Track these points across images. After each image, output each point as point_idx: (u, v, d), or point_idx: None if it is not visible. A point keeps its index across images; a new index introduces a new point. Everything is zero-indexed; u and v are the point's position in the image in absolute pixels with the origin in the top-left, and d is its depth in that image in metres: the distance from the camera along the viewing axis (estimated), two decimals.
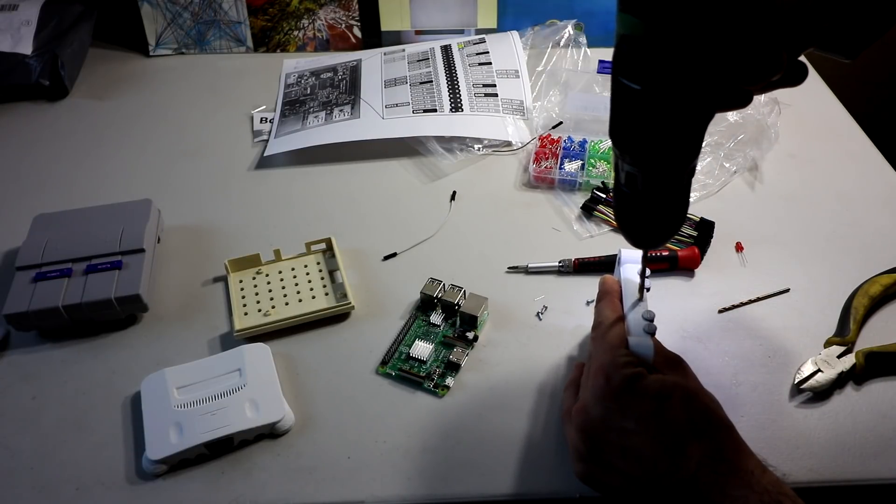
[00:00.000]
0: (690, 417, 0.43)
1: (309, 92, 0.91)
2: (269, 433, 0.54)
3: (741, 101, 0.39)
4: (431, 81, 0.88)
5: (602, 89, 0.87)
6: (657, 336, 0.49)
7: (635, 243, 0.46)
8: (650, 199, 0.42)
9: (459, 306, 0.61)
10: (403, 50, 0.96)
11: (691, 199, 0.73)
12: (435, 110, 0.84)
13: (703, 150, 0.77)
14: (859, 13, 0.39)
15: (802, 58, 0.40)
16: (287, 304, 0.64)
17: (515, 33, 0.95)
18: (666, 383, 0.44)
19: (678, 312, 0.63)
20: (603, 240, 0.70)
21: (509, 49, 0.93)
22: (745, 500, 0.40)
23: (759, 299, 0.63)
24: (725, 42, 0.35)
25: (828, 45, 0.41)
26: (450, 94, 0.86)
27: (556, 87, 0.88)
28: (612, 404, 0.45)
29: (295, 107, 0.89)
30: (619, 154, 0.41)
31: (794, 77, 0.40)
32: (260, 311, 0.63)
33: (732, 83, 0.37)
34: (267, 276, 0.66)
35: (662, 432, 0.43)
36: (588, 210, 0.73)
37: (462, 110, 0.84)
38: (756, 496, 0.40)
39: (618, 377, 0.45)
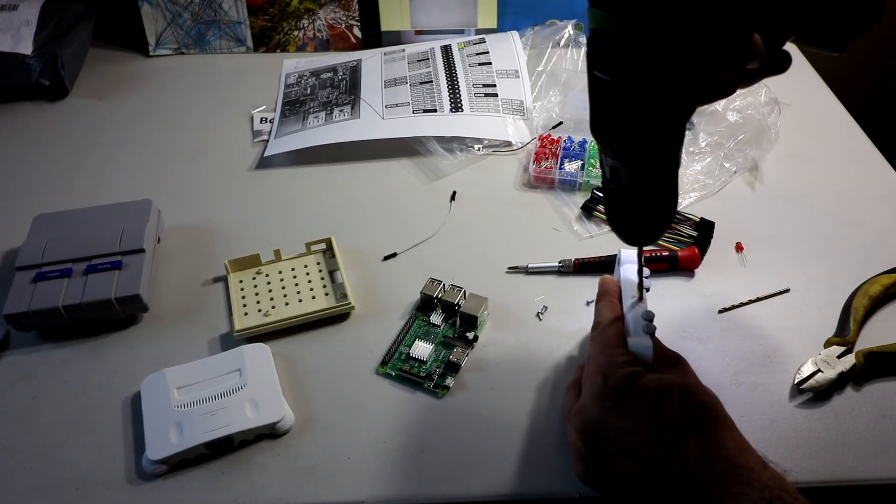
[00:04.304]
0: (689, 415, 0.43)
1: (309, 92, 0.91)
2: (269, 433, 0.54)
3: (722, 92, 0.39)
4: (431, 81, 0.88)
5: None
6: (656, 335, 0.49)
7: (626, 240, 0.46)
8: (636, 192, 0.42)
9: (459, 306, 0.61)
10: (403, 50, 0.96)
11: (691, 199, 0.74)
12: (435, 110, 0.84)
13: (703, 150, 0.78)
14: (845, 5, 0.39)
15: (789, 46, 0.40)
16: (287, 304, 0.64)
17: (515, 33, 0.95)
18: (664, 382, 0.44)
19: (678, 312, 0.63)
20: (603, 240, 0.70)
21: (509, 49, 0.93)
22: (745, 496, 0.40)
23: (759, 299, 0.63)
24: (694, 30, 0.35)
25: (814, 39, 0.41)
26: (450, 94, 0.86)
27: (556, 87, 0.88)
28: (610, 404, 0.45)
29: (295, 107, 0.89)
30: (602, 148, 0.41)
31: (777, 66, 0.40)
32: (260, 311, 0.63)
33: (706, 72, 0.37)
34: (267, 276, 0.66)
35: (661, 430, 0.43)
36: (588, 210, 0.73)
37: (462, 110, 0.84)
38: (756, 493, 0.40)
39: (616, 377, 0.45)
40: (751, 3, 0.36)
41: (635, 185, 0.41)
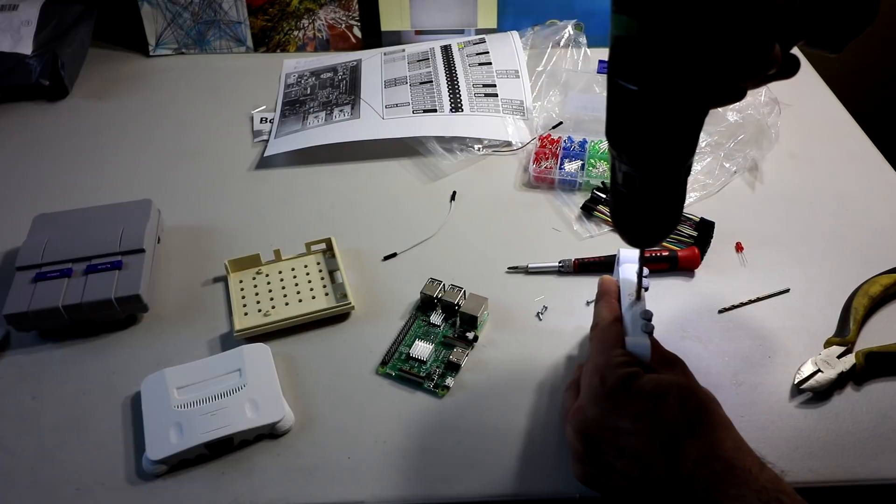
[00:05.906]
0: (686, 416, 0.43)
1: (309, 92, 0.91)
2: (269, 433, 0.54)
3: (736, 96, 0.40)
4: (431, 81, 0.88)
5: (602, 89, 0.87)
6: (655, 336, 0.49)
7: (632, 242, 0.46)
8: (648, 198, 0.42)
9: (459, 306, 0.61)
10: (403, 50, 0.96)
11: (691, 199, 0.74)
12: (435, 110, 0.84)
13: (703, 150, 0.78)
14: (844, 6, 0.39)
15: (795, 50, 0.40)
16: (287, 304, 0.64)
17: (515, 33, 0.95)
18: (662, 382, 0.44)
19: (678, 312, 0.63)
20: (603, 240, 0.70)
21: (509, 49, 0.93)
22: (742, 498, 0.40)
23: (759, 299, 0.63)
24: (720, 40, 0.35)
25: (814, 40, 0.41)
26: (450, 94, 0.86)
27: (556, 87, 0.88)
28: (607, 404, 0.45)
29: (295, 107, 0.89)
30: (617, 155, 0.41)
31: (788, 70, 0.40)
32: (260, 311, 0.63)
33: (729, 79, 0.37)
34: (267, 276, 0.66)
35: (658, 431, 0.43)
36: (588, 210, 0.73)
37: (462, 110, 0.84)
38: (754, 494, 0.40)
39: (613, 377, 0.45)
40: (774, 10, 0.36)
41: (648, 191, 0.41)
